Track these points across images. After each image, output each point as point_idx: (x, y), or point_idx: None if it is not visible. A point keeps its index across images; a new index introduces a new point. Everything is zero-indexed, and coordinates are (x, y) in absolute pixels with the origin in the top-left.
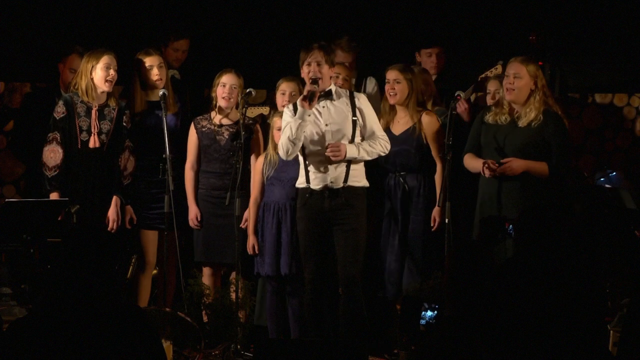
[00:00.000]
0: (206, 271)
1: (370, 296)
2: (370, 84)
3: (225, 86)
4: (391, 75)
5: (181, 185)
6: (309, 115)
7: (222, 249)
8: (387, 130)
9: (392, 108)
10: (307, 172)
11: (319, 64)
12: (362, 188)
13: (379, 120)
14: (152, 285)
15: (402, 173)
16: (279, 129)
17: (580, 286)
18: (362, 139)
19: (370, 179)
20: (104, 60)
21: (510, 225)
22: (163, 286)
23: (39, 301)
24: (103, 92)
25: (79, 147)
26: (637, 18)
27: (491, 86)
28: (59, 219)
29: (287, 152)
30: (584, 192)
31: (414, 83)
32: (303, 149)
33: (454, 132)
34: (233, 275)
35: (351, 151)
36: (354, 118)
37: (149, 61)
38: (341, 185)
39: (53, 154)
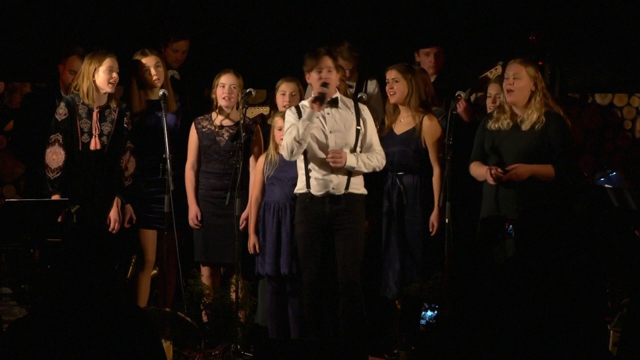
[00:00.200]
0: (206, 271)
1: (370, 296)
2: (372, 86)
3: (224, 86)
4: (390, 74)
5: (181, 185)
6: (317, 118)
7: (221, 249)
8: (390, 129)
9: (396, 108)
10: (307, 177)
11: (329, 71)
12: (362, 195)
13: (384, 120)
14: (152, 285)
15: (399, 173)
16: (280, 129)
17: (580, 286)
18: (360, 150)
19: (370, 178)
20: (107, 63)
21: (510, 225)
22: (163, 286)
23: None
24: (105, 93)
25: (80, 148)
26: (637, 18)
27: (492, 90)
28: (59, 219)
29: (292, 152)
30: (584, 192)
31: (414, 82)
32: (305, 153)
33: (454, 132)
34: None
35: (351, 160)
36: (357, 127)
37: (145, 61)
38: (342, 192)
39: (55, 156)
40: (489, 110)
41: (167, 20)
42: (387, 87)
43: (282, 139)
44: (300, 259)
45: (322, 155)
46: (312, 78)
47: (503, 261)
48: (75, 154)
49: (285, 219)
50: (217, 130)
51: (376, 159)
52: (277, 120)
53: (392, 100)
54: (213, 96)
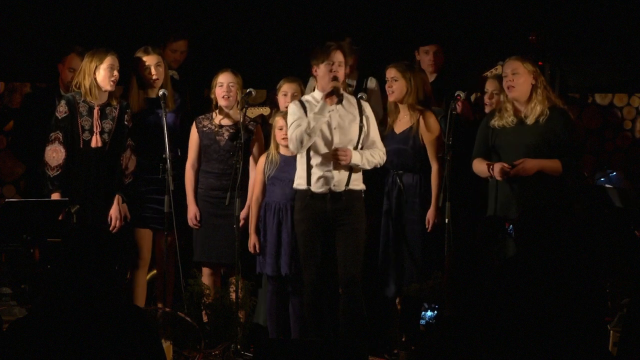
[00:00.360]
0: (205, 271)
1: (370, 296)
2: (372, 84)
3: (223, 85)
4: (389, 73)
5: (181, 184)
6: (329, 112)
7: (221, 249)
8: (391, 128)
9: (396, 106)
10: (308, 173)
11: (340, 65)
12: (361, 191)
13: (386, 118)
14: (152, 285)
15: (399, 172)
16: (281, 129)
17: (580, 286)
18: (362, 147)
19: (370, 178)
20: (108, 61)
21: (510, 225)
22: (163, 286)
23: (39, 301)
24: (106, 91)
25: (81, 146)
26: (637, 18)
27: (489, 86)
28: (59, 219)
29: (301, 143)
30: (584, 192)
31: (413, 81)
32: (307, 149)
33: (454, 132)
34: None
35: (355, 158)
36: (361, 124)
37: (146, 60)
38: (343, 188)
39: (55, 154)
40: (485, 107)
41: (166, 20)
42: (386, 86)
43: (283, 139)
44: (301, 257)
45: (325, 150)
46: (321, 70)
47: (503, 261)
48: (76, 151)
49: (286, 219)
50: (217, 129)
51: (378, 156)
52: (277, 120)
53: (391, 98)
54: (212, 96)
